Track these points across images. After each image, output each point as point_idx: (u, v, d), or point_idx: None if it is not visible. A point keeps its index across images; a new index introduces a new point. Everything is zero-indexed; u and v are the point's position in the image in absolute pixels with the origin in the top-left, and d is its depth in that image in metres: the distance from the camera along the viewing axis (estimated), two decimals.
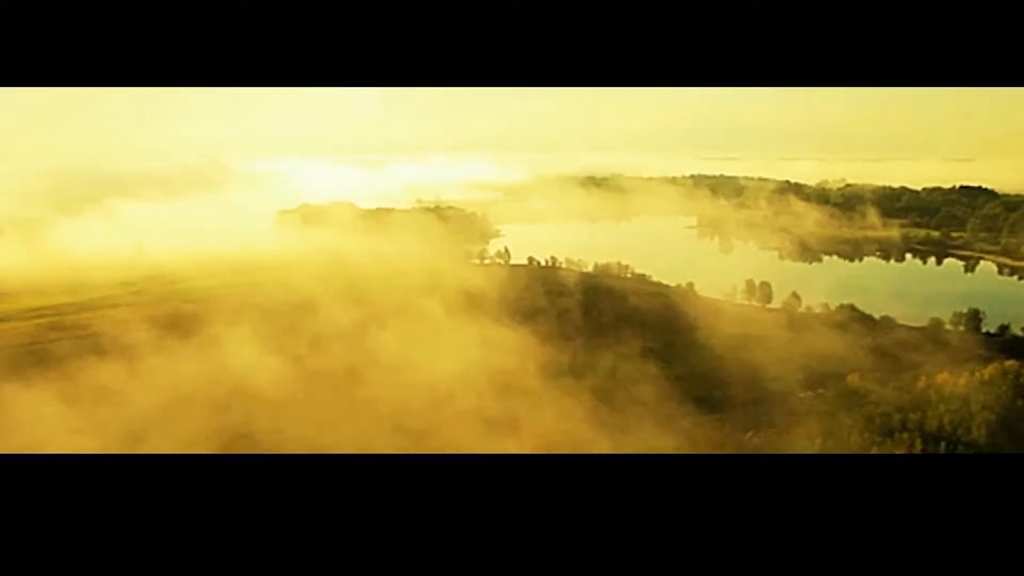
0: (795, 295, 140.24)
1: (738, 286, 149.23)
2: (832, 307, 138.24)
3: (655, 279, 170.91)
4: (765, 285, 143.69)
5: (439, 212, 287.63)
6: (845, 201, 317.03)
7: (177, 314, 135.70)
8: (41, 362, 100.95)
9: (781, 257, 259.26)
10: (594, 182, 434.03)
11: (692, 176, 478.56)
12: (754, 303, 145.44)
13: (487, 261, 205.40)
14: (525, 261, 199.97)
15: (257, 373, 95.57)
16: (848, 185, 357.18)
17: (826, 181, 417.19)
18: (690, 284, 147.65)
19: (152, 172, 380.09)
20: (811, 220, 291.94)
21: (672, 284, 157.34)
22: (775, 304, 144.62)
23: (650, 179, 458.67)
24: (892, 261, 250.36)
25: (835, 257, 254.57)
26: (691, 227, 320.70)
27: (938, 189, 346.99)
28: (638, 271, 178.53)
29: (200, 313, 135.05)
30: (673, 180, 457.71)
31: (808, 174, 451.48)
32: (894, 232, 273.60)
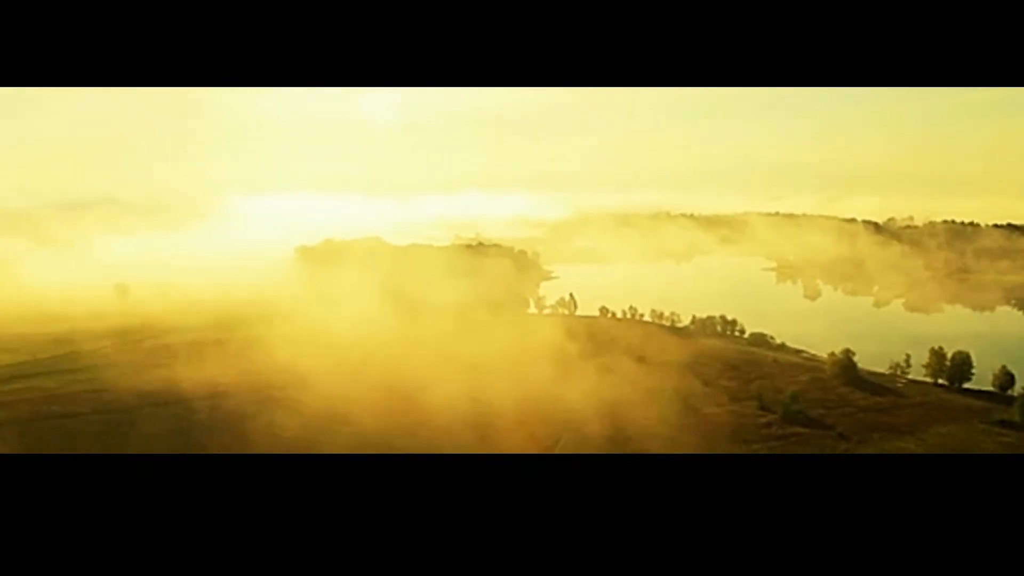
0: (1007, 371, 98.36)
1: (913, 355, 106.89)
2: None
3: (776, 340, 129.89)
4: (962, 356, 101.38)
5: (481, 250, 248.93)
6: (948, 241, 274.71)
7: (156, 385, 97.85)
8: None
9: (878, 305, 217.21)
10: (643, 220, 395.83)
11: (746, 213, 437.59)
12: (941, 380, 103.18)
13: (547, 311, 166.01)
14: (596, 311, 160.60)
15: None
16: (948, 222, 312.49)
17: (893, 219, 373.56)
18: (846, 353, 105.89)
19: (149, 203, 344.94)
20: (911, 262, 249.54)
21: (820, 354, 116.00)
22: (976, 383, 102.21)
23: (707, 217, 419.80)
24: None
25: (958, 306, 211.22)
26: (769, 269, 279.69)
27: None
28: (751, 329, 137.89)
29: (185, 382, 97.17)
30: (729, 219, 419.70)
31: (873, 211, 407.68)
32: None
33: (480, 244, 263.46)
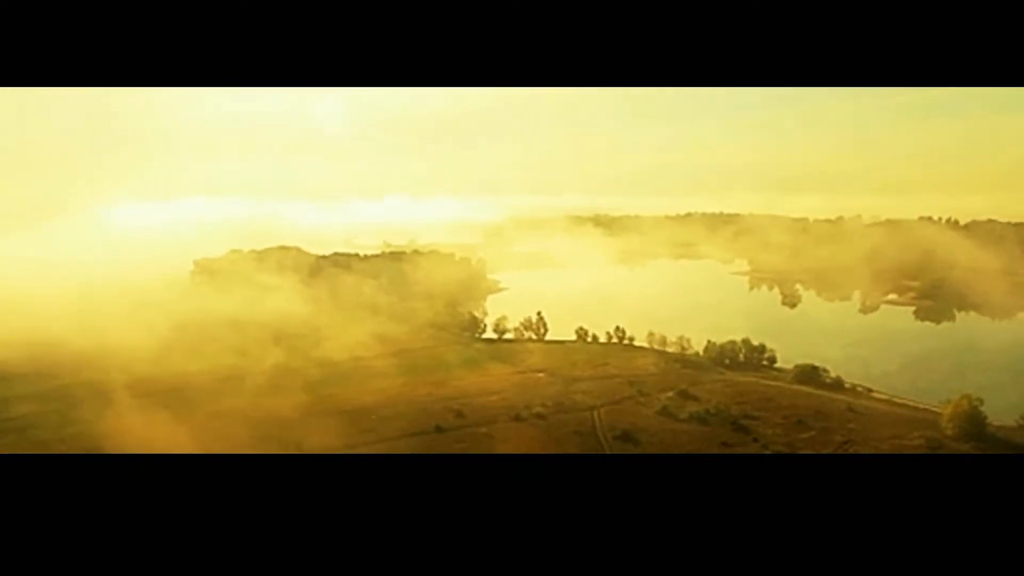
0: None
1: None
2: None
3: (831, 374, 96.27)
4: None
5: (415, 259, 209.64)
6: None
7: None
8: None
9: (863, 311, 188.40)
10: (595, 222, 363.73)
11: (698, 214, 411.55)
12: None
13: (509, 335, 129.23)
14: (570, 335, 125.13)
15: None
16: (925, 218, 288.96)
17: (842, 218, 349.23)
18: (970, 401, 72.81)
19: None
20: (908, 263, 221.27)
21: (928, 406, 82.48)
22: None
23: (657, 217, 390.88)
24: None
25: (971, 313, 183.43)
26: (740, 273, 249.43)
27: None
28: (785, 358, 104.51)
29: None
30: (685, 217, 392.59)
31: (818, 209, 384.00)
32: None
33: (415, 252, 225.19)
